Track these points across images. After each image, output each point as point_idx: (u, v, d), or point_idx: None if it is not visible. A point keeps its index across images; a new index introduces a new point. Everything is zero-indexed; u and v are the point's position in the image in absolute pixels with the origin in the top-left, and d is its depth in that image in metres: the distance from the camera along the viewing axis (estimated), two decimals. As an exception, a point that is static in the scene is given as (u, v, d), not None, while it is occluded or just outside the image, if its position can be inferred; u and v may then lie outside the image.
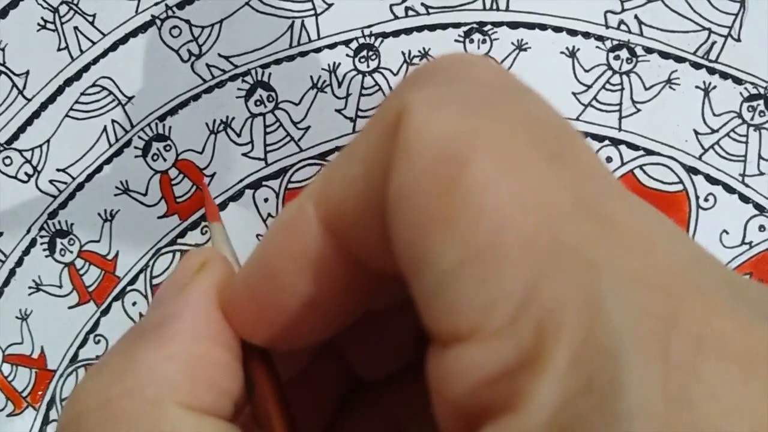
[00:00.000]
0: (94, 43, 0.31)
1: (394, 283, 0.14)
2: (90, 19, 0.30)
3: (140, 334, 0.15)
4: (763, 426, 0.10)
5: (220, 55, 0.30)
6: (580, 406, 0.10)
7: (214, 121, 0.30)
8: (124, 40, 0.31)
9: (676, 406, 0.10)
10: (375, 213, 0.13)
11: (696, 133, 0.31)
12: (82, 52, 0.31)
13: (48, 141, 0.31)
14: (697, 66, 0.31)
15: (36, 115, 0.31)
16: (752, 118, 0.31)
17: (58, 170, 0.31)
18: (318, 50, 0.30)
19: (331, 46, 0.30)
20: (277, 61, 0.30)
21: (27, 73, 0.31)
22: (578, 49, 0.31)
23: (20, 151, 0.31)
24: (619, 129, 0.31)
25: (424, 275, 0.12)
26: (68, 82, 0.31)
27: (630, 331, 0.10)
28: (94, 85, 0.31)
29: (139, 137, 0.30)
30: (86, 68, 0.31)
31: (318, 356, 0.18)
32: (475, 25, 0.30)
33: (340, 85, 0.30)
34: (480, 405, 0.11)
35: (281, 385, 0.16)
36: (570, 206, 0.11)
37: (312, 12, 0.30)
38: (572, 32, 0.31)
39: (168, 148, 0.30)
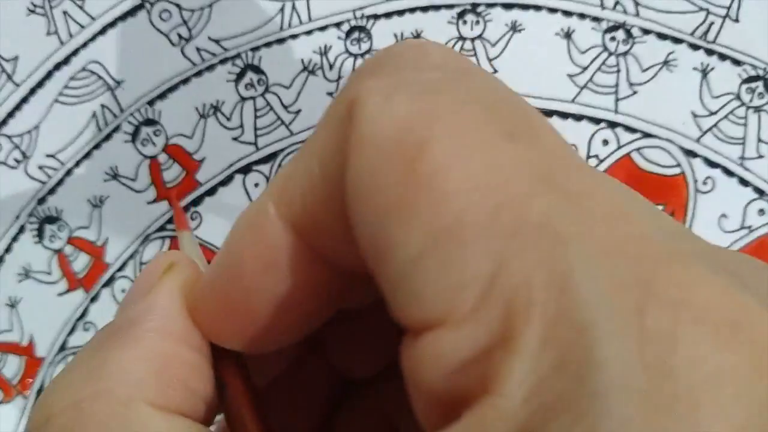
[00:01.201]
0: (83, 27, 0.30)
1: (364, 279, 0.13)
2: (79, 3, 0.30)
3: (108, 335, 0.15)
4: (748, 391, 0.09)
5: (210, 38, 0.30)
6: (555, 384, 0.10)
7: (204, 105, 0.30)
8: (113, 24, 0.30)
9: (656, 377, 0.09)
10: (336, 208, 0.13)
11: (694, 115, 0.30)
12: (71, 36, 0.30)
13: (37, 126, 0.30)
14: (694, 47, 0.30)
15: (25, 100, 0.30)
16: (751, 100, 0.30)
17: (47, 156, 0.30)
18: (309, 33, 0.30)
19: (323, 29, 0.30)
20: (268, 44, 0.30)
21: (16, 58, 0.30)
22: (573, 30, 0.30)
23: (9, 137, 0.30)
24: (616, 111, 0.30)
25: (388, 265, 0.12)
26: (57, 66, 0.30)
27: (602, 303, 0.10)
28: (83, 69, 0.30)
29: (129, 122, 0.30)
30: (75, 53, 0.30)
31: (302, 356, 0.18)
32: (468, 6, 0.30)
33: (331, 67, 0.30)
34: (456, 392, 0.11)
35: (253, 386, 0.16)
36: (532, 183, 0.11)
37: (303, -6, 0.30)
38: (567, 13, 0.30)
39: (158, 132, 0.30)
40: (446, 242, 0.11)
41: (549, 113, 0.30)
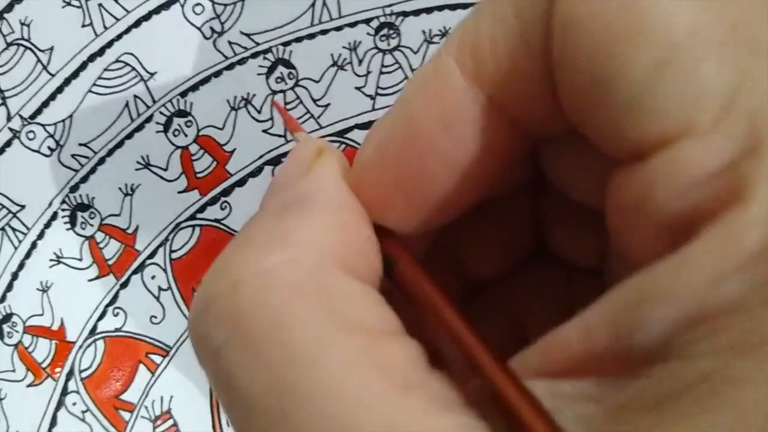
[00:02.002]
0: (117, 20, 0.31)
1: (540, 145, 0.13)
2: (114, -4, 0.31)
3: (282, 209, 0.14)
4: None
5: (242, 32, 0.31)
6: None
7: (235, 97, 0.31)
8: (147, 17, 0.31)
9: None
10: (533, 55, 0.12)
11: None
12: (105, 28, 0.31)
13: (71, 116, 0.31)
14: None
15: (59, 90, 0.31)
16: None
17: (80, 145, 0.31)
18: (339, 28, 0.31)
19: (352, 25, 0.31)
20: (298, 39, 0.31)
21: (51, 49, 0.31)
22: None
23: (43, 126, 0.31)
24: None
25: (616, 90, 0.11)
26: (92, 58, 0.31)
27: None
28: (117, 61, 0.31)
29: (161, 113, 0.31)
30: (109, 44, 0.31)
31: (432, 257, 0.18)
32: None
33: (360, 63, 0.30)
34: (695, 207, 0.11)
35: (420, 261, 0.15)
36: (762, 10, 0.11)
37: (333, -9, 0.31)
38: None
39: (189, 123, 0.31)
40: (683, 57, 0.11)
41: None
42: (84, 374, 0.31)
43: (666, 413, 0.10)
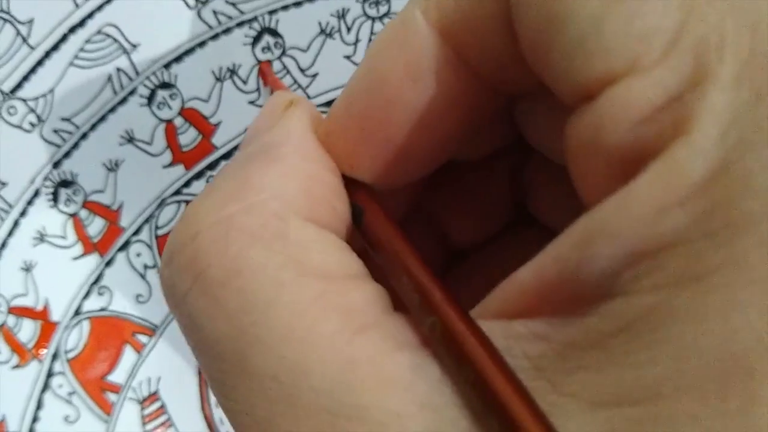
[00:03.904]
0: (98, -10, 0.30)
1: (506, 97, 0.13)
2: (95, -35, 0.30)
3: (247, 159, 0.14)
4: None
5: (227, 1, 0.30)
6: (753, 117, 0.10)
7: (221, 68, 0.30)
8: (129, -14, 0.30)
9: None
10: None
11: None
12: (86, -1, 0.30)
13: (52, 90, 0.30)
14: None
15: (40, 63, 0.30)
16: None
17: (62, 119, 0.30)
18: (327, -5, 0.30)
19: (340, -9, 0.30)
20: (285, 7, 0.30)
21: (31, 21, 0.30)
22: None
23: (24, 101, 0.30)
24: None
25: (565, 29, 0.11)
26: (73, 29, 0.30)
27: None
28: (98, 32, 0.30)
29: (145, 85, 0.30)
30: (90, 16, 0.30)
31: (414, 226, 0.18)
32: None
33: (349, 30, 0.29)
34: (643, 142, 0.11)
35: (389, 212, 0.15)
36: None
37: (321, -44, 0.29)
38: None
39: (174, 96, 0.30)
40: None
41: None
42: (70, 355, 0.30)
43: (608, 350, 0.10)
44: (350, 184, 0.15)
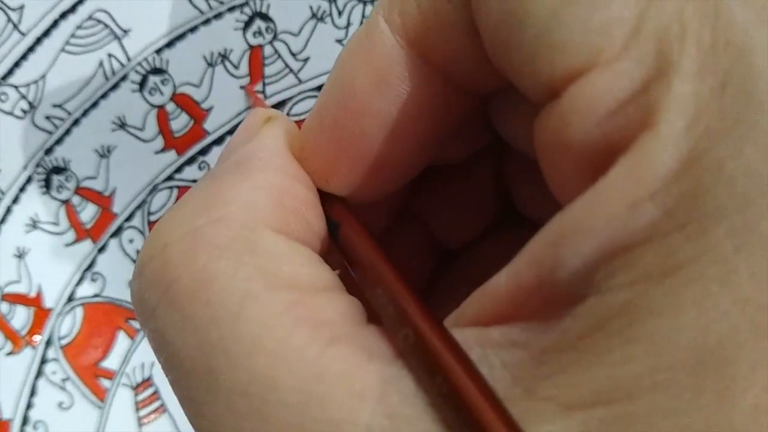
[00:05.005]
0: (89, -24, 0.30)
1: (474, 101, 0.13)
2: (85, -49, 0.30)
3: (220, 173, 0.14)
4: None
5: (217, -14, 0.30)
6: (719, 105, 0.10)
7: (212, 53, 0.30)
8: (120, -28, 0.30)
9: None
10: (453, 4, 0.12)
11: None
12: (77, -16, 0.30)
13: (44, 76, 0.30)
14: None
15: (31, 50, 0.30)
16: None
17: (54, 106, 0.30)
18: (318, -21, 0.29)
19: (332, -25, 0.29)
20: (276, -9, 0.29)
21: (22, 7, 0.30)
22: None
23: (16, 87, 0.30)
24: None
25: (526, 27, 0.11)
26: (64, 15, 0.30)
27: (759, 25, 0.10)
28: (89, 18, 0.30)
29: (136, 71, 0.30)
30: (81, 1, 0.30)
31: (402, 230, 0.18)
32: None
33: (340, 14, 0.29)
34: (611, 137, 0.10)
35: (366, 225, 0.15)
36: None
37: (312, -60, 0.29)
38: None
39: (165, 81, 0.30)
40: None
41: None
42: (63, 342, 0.30)
43: (583, 351, 0.10)
44: (326, 198, 0.15)
